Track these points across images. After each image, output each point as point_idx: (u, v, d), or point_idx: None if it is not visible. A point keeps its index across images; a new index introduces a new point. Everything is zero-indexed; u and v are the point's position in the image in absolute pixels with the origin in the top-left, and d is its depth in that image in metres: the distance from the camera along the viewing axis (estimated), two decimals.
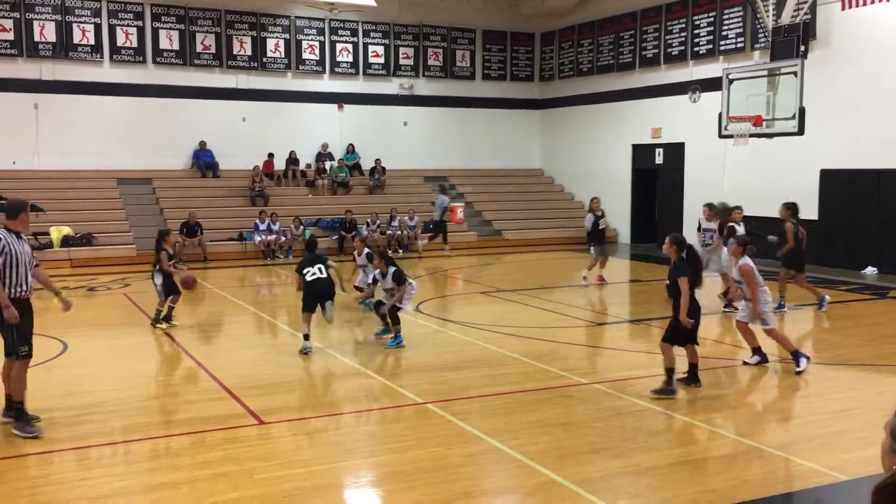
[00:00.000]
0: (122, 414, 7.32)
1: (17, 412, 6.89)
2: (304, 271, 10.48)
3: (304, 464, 6.21)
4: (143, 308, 13.15)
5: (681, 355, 8.28)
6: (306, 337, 10.19)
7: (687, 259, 8.21)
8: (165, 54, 23.06)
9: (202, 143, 23.49)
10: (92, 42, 22.19)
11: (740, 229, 12.76)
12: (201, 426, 7.11)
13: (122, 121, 22.58)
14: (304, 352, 10.05)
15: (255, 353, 10.53)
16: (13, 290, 6.82)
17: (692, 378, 8.31)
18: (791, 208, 12.82)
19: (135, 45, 22.68)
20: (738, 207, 13.35)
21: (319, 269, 10.62)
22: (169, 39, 23.07)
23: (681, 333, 8.12)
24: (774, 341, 9.30)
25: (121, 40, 22.52)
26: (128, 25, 22.60)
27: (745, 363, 9.32)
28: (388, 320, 10.58)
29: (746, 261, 9.06)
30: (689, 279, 8.04)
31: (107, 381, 8.72)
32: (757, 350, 9.28)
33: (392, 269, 10.54)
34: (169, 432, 6.96)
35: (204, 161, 23.42)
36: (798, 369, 8.86)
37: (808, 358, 9.04)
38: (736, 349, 10.60)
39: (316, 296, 10.49)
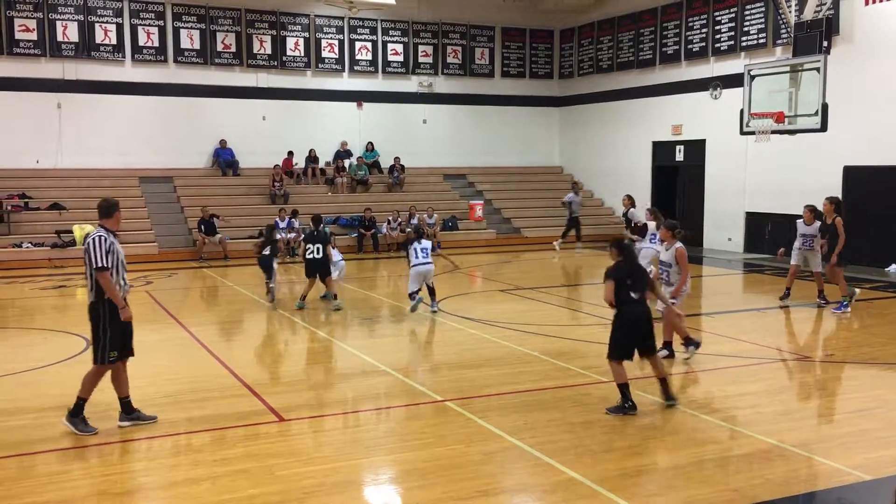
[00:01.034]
0: (143, 410, 7.37)
1: (78, 407, 6.90)
2: (306, 247, 12.97)
3: (324, 461, 6.23)
4: (165, 305, 13.25)
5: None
6: (302, 297, 12.92)
7: (624, 263, 7.59)
8: (186, 53, 23.22)
9: (223, 142, 23.64)
10: (114, 42, 22.39)
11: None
12: (222, 423, 7.15)
13: (144, 120, 22.77)
14: (298, 307, 12.69)
15: (274, 350, 10.59)
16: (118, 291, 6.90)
17: (665, 395, 7.57)
18: (835, 202, 12.64)
19: (156, 44, 22.85)
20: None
21: (317, 249, 12.76)
22: (190, 39, 23.22)
23: (620, 347, 7.44)
24: (671, 324, 9.16)
25: (142, 40, 22.71)
26: (149, 25, 22.78)
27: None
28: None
29: (680, 245, 9.08)
30: (625, 283, 7.41)
31: (129, 377, 8.78)
32: (687, 340, 9.26)
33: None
34: (190, 429, 7.01)
35: (224, 159, 23.57)
36: (686, 356, 9.02)
37: (697, 344, 9.16)
38: (758, 347, 10.53)
39: (310, 272, 12.97)
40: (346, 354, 10.13)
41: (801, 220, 13.03)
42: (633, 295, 7.40)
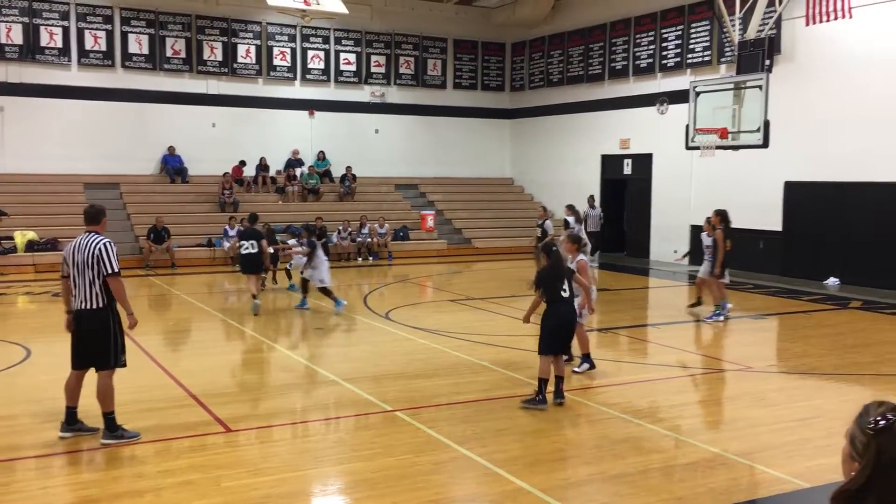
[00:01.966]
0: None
1: (111, 422, 6.79)
2: (240, 243, 13.75)
3: (272, 471, 6.18)
4: None
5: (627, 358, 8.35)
6: (254, 296, 13.15)
7: (551, 267, 8.10)
8: (135, 58, 22.85)
9: (171, 149, 23.29)
10: (60, 45, 21.94)
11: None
12: (167, 434, 7.04)
13: (90, 125, 22.32)
14: (254, 312, 12.93)
15: (222, 360, 10.45)
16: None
17: (557, 393, 7.98)
18: (720, 215, 13.18)
19: (104, 48, 22.45)
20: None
21: (252, 245, 13.37)
22: (138, 43, 22.87)
23: (547, 343, 7.94)
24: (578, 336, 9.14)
25: (89, 44, 22.29)
26: (96, 29, 22.38)
27: (575, 372, 9.25)
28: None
29: (582, 257, 9.26)
30: (555, 284, 7.95)
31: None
32: (586, 357, 9.32)
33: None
34: (133, 440, 6.87)
35: (173, 166, 23.22)
36: (578, 370, 9.21)
37: (592, 365, 9.26)
38: (701, 358, 10.75)
39: (244, 266, 13.67)
40: (296, 364, 10.05)
41: (705, 232, 13.50)
42: (563, 294, 7.97)
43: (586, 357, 9.36)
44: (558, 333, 8.02)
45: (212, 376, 9.27)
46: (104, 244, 6.81)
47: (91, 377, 6.93)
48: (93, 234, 6.94)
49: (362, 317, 13.36)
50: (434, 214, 24.47)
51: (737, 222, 15.84)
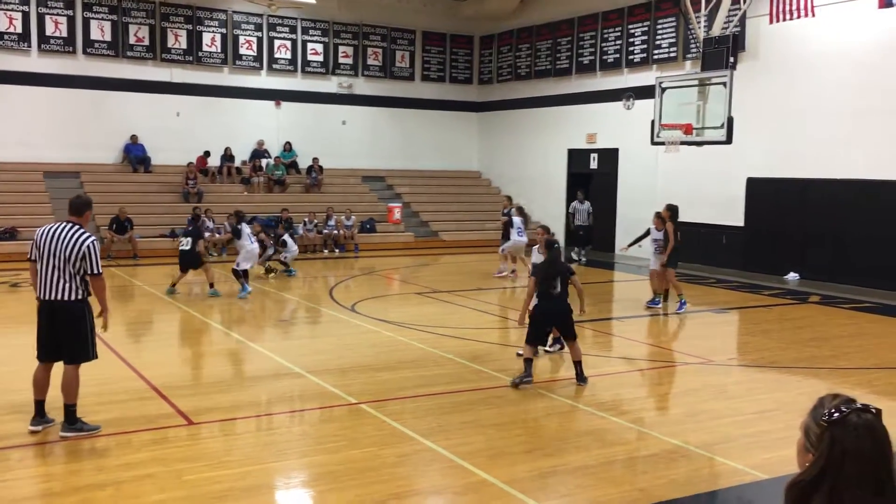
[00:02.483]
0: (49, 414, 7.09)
1: (71, 415, 6.69)
2: (180, 240, 14.61)
3: (234, 464, 6.13)
4: None
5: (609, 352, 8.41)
6: (172, 284, 14.12)
7: (548, 262, 8.71)
8: (97, 45, 22.45)
9: (133, 137, 22.94)
10: (19, 30, 21.47)
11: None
12: (128, 426, 6.95)
13: (50, 112, 21.89)
14: (168, 292, 14.02)
15: (185, 351, 10.35)
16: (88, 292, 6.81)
17: (578, 376, 8.56)
18: (671, 209, 13.61)
19: (64, 34, 22.03)
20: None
21: (188, 242, 14.00)
22: (101, 30, 22.47)
23: (532, 334, 8.53)
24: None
25: (50, 29, 21.84)
26: (58, 14, 21.93)
27: (547, 351, 9.84)
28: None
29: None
30: (541, 279, 8.52)
31: (30, 379, 8.43)
32: (558, 339, 9.75)
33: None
34: (94, 433, 6.77)
35: (135, 155, 22.88)
36: (549, 349, 9.81)
37: (563, 346, 9.54)
38: (663, 351, 10.88)
39: (182, 264, 14.20)
40: (260, 356, 9.98)
41: (653, 226, 13.79)
42: (553, 291, 8.46)
43: (557, 339, 9.78)
44: (542, 326, 8.65)
45: (174, 368, 9.17)
46: (92, 243, 6.67)
47: (58, 368, 6.80)
48: (75, 225, 6.74)
49: (328, 309, 13.30)
50: (401, 207, 24.43)
51: (700, 217, 16.11)
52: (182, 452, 6.39)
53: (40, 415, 6.82)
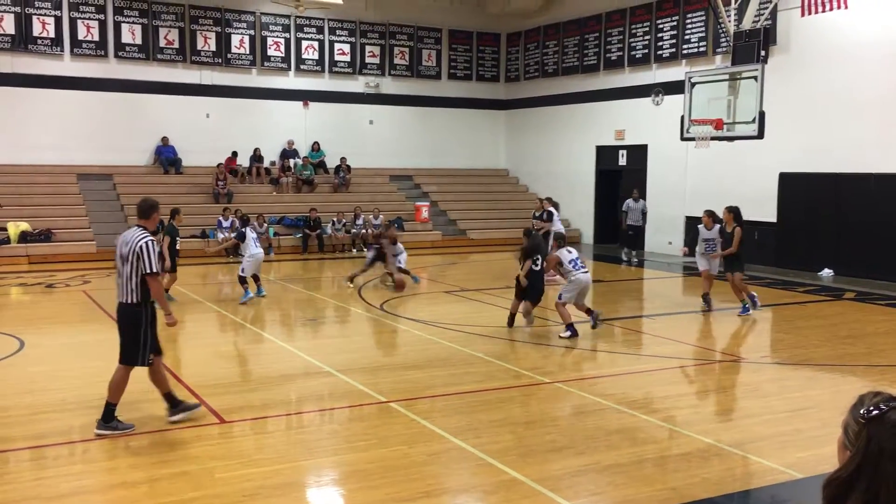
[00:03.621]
0: (80, 412, 7.20)
1: (109, 413, 6.78)
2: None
3: (265, 462, 6.17)
4: (103, 305, 12.96)
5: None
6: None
7: (529, 244, 11.45)
8: (128, 48, 22.74)
9: (164, 139, 23.21)
10: (52, 35, 21.81)
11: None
12: (162, 425, 7.02)
13: (83, 115, 22.22)
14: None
15: (217, 351, 10.44)
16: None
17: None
18: (733, 212, 12.72)
19: (96, 38, 22.33)
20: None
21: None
22: (131, 33, 22.76)
23: (530, 296, 11.28)
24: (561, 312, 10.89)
25: (82, 34, 22.17)
26: (89, 19, 22.25)
27: (560, 336, 10.66)
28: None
29: (555, 253, 11.27)
30: (532, 259, 11.16)
31: (65, 378, 8.58)
32: (570, 326, 10.71)
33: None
34: (128, 431, 6.86)
35: (166, 157, 23.15)
36: (564, 335, 10.65)
37: (575, 333, 10.63)
38: (695, 349, 10.78)
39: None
40: (290, 355, 10.04)
41: (702, 224, 13.04)
42: (535, 268, 11.16)
43: (570, 326, 10.71)
44: (536, 291, 11.33)
45: (206, 367, 9.26)
46: (145, 242, 6.75)
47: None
48: (140, 228, 6.92)
49: (357, 308, 13.35)
50: (429, 205, 24.45)
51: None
52: (215, 450, 6.44)
53: (173, 405, 7.06)
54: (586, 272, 11.16)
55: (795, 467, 6.13)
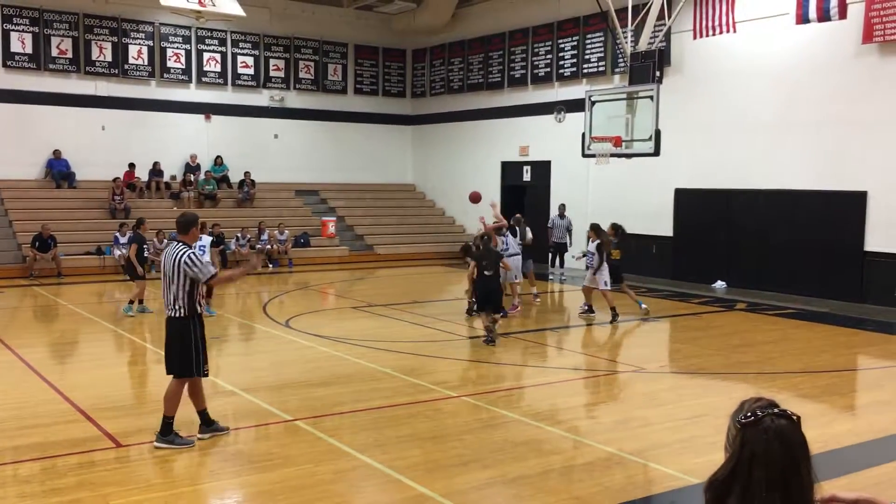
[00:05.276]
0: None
1: (168, 426, 6.87)
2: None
3: (165, 487, 5.97)
4: None
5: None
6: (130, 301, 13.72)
7: (481, 251, 11.98)
8: (17, 58, 21.75)
9: (56, 152, 22.25)
10: None
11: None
12: (53, 451, 6.70)
13: None
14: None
15: (112, 372, 10.04)
16: (200, 307, 7.04)
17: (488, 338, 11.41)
18: (616, 228, 14.16)
19: None
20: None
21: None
22: (21, 42, 21.78)
23: (479, 303, 11.87)
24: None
25: None
26: None
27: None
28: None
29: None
30: (480, 264, 11.56)
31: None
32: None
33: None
34: (17, 458, 6.52)
35: (59, 171, 22.19)
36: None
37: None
38: (596, 360, 11.03)
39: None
40: None
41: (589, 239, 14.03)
42: (486, 273, 11.46)
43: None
44: (483, 298, 11.59)
45: (101, 390, 8.89)
46: (188, 256, 6.82)
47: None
48: (179, 244, 6.96)
49: (262, 325, 13.11)
50: (335, 220, 24.27)
51: (631, 228, 16.37)
52: (110, 476, 6.19)
53: (206, 423, 7.14)
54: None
55: (693, 473, 6.35)
